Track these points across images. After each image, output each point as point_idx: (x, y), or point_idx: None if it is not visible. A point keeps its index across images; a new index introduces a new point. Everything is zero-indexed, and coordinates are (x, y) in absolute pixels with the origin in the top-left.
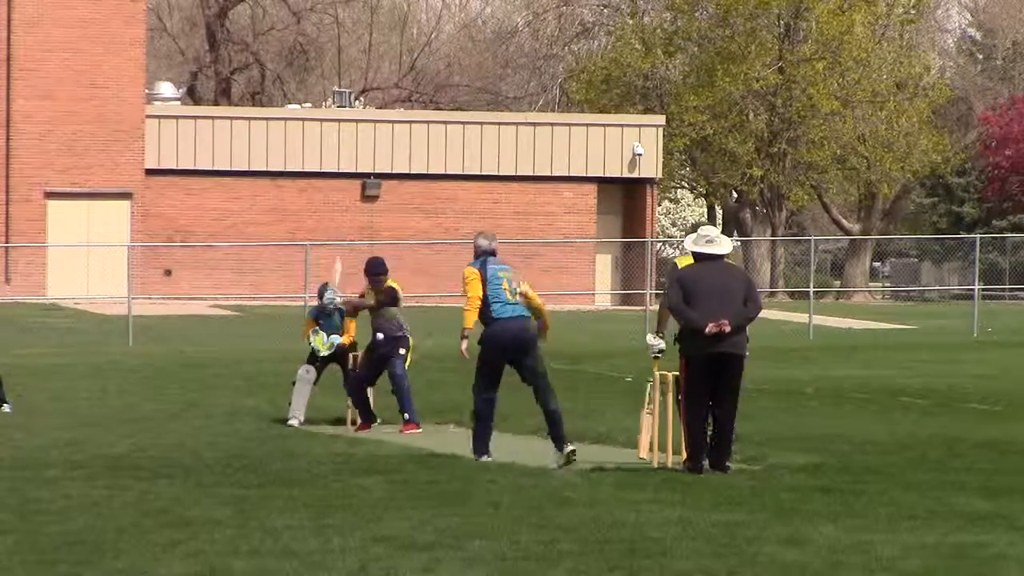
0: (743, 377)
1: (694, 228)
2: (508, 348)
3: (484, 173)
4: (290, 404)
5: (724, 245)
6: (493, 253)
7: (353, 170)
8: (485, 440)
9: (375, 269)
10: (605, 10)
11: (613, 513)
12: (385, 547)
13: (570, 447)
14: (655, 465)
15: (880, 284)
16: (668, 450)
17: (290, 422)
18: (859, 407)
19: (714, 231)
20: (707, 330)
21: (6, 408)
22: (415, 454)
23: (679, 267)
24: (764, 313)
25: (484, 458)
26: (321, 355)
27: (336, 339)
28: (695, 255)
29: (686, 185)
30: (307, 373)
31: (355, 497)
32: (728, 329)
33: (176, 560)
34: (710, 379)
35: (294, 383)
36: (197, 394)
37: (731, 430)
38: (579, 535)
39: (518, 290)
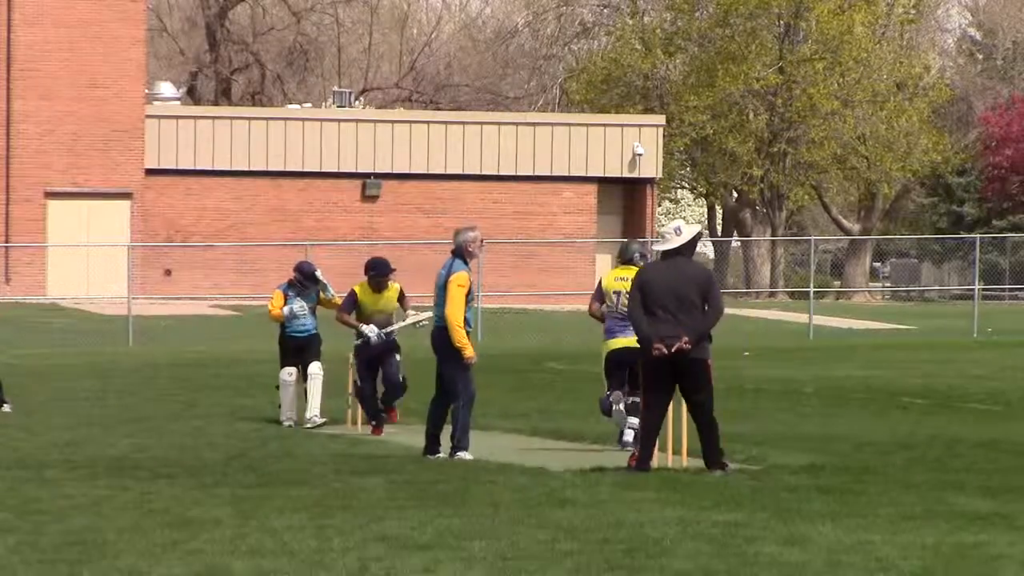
0: (712, 377)
1: (623, 251)
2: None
3: (484, 173)
4: (280, 407)
5: (673, 239)
6: (455, 252)
7: (353, 170)
8: (428, 440)
9: (383, 269)
10: (605, 10)
11: (613, 513)
12: (385, 547)
13: (465, 455)
14: (655, 465)
15: (880, 284)
16: (668, 450)
17: (285, 423)
18: (859, 407)
19: (672, 224)
20: (654, 353)
21: (6, 408)
22: (415, 454)
23: (602, 283)
24: (764, 313)
25: (429, 457)
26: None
27: (296, 308)
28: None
29: (686, 185)
30: (289, 376)
31: (355, 497)
32: (668, 353)
33: (176, 560)
34: (669, 383)
35: (277, 387)
36: (197, 394)
37: (714, 429)
38: (579, 535)
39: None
